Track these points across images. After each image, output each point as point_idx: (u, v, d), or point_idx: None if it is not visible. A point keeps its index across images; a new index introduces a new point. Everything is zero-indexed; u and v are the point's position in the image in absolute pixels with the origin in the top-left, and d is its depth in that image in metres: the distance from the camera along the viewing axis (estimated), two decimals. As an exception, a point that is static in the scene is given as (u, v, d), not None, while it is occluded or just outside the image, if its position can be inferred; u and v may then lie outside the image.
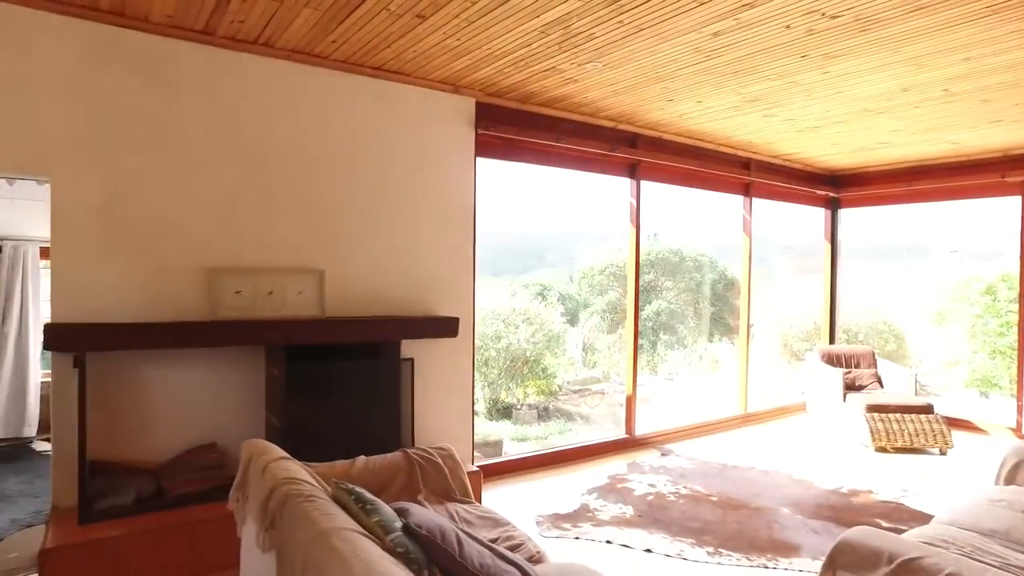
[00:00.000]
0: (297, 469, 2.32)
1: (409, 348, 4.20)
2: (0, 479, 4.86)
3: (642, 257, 13.52)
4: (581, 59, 3.89)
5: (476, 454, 4.96)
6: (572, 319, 12.58)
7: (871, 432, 5.67)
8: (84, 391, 3.09)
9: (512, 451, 7.20)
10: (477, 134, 4.65)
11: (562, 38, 3.54)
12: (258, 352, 3.74)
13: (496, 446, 6.55)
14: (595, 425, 11.16)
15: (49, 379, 6.60)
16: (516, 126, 4.86)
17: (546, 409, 10.98)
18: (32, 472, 5.08)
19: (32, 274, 6.23)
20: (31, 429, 6.13)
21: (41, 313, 6.35)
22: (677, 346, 13.52)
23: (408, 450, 3.20)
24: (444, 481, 3.14)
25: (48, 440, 6.10)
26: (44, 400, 6.32)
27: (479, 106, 4.66)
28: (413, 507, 2.09)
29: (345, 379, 3.94)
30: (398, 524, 1.94)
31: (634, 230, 5.89)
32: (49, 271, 6.84)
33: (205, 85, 3.60)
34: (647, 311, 13.32)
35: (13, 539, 3.81)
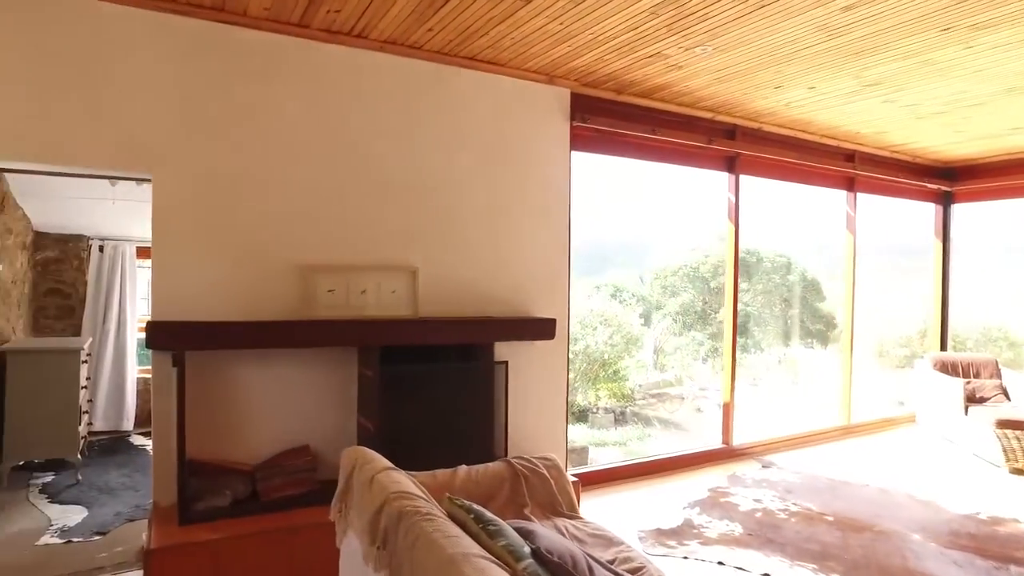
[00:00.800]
0: (407, 482, 2.15)
1: (503, 350, 4.01)
2: (103, 472, 4.96)
3: (715, 258, 13.01)
4: (690, 43, 3.61)
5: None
6: (644, 321, 12.23)
7: (1004, 451, 5.12)
8: (183, 390, 3.03)
9: (596, 457, 6.95)
10: (572, 126, 4.43)
11: (673, 18, 3.27)
12: (350, 353, 3.63)
13: (581, 453, 6.31)
14: (676, 431, 10.76)
15: (145, 375, 6.79)
16: (611, 118, 4.61)
17: (622, 413, 10.65)
18: (131, 466, 5.17)
19: (129, 273, 6.40)
20: (128, 423, 6.29)
21: (137, 311, 6.52)
22: (754, 350, 12.97)
23: (511, 459, 3.01)
24: (550, 494, 2.93)
25: (144, 435, 6.25)
26: (140, 395, 6.48)
27: (574, 97, 4.44)
28: (538, 528, 1.89)
29: (438, 382, 3.79)
30: (527, 549, 1.73)
31: (733, 228, 5.53)
32: (144, 270, 7.05)
33: (299, 79, 3.51)
34: (722, 314, 12.75)
35: (118, 532, 3.83)
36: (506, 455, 3.92)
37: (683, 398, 11.68)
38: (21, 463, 4.68)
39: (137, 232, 6.35)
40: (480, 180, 4.08)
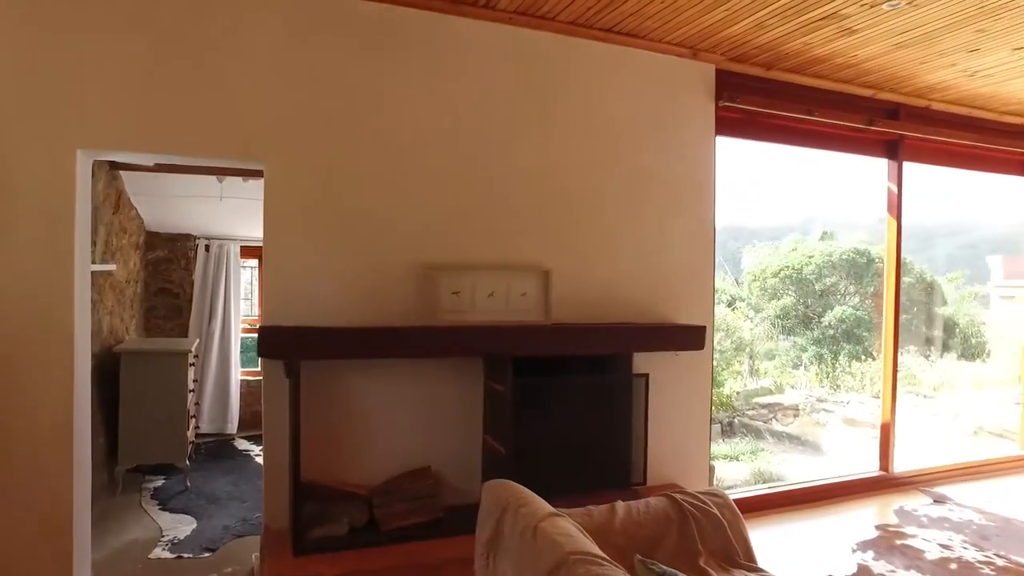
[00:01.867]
0: (579, 536, 1.73)
1: (641, 361, 3.54)
2: (209, 479, 4.82)
3: (820, 258, 12.01)
4: (878, -3, 3.02)
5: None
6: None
7: None
8: (298, 404, 2.73)
9: (725, 476, 6.36)
10: (717, 107, 3.90)
11: (869, -35, 2.71)
12: (475, 364, 3.25)
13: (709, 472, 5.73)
14: (795, 447, 9.95)
15: (248, 377, 6.72)
16: (760, 97, 4.05)
17: (730, 424, 9.96)
18: (238, 473, 5.02)
19: (234, 273, 6.32)
20: (233, 426, 6.21)
21: (240, 311, 6.44)
22: (864, 357, 11.96)
23: (675, 495, 2.53)
24: (724, 539, 2.44)
25: (248, 439, 6.15)
26: (244, 398, 6.40)
27: (719, 74, 3.90)
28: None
29: (571, 397, 3.37)
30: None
31: (894, 222, 4.82)
32: (247, 270, 7.00)
33: (421, 56, 3.16)
34: (828, 318, 11.84)
35: (227, 550, 3.62)
36: (644, 479, 3.47)
37: (797, 410, 10.82)
38: (133, 466, 4.59)
39: (241, 231, 6.26)
40: (616, 169, 3.62)
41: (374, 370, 3.07)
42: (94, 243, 4.07)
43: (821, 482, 4.68)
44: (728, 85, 3.94)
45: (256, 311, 6.83)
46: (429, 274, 3.12)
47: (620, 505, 2.45)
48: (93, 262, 3.85)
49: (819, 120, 4.23)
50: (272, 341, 2.69)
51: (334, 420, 3.02)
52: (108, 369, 4.45)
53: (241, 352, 6.42)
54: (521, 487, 2.17)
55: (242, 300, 6.51)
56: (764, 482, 6.32)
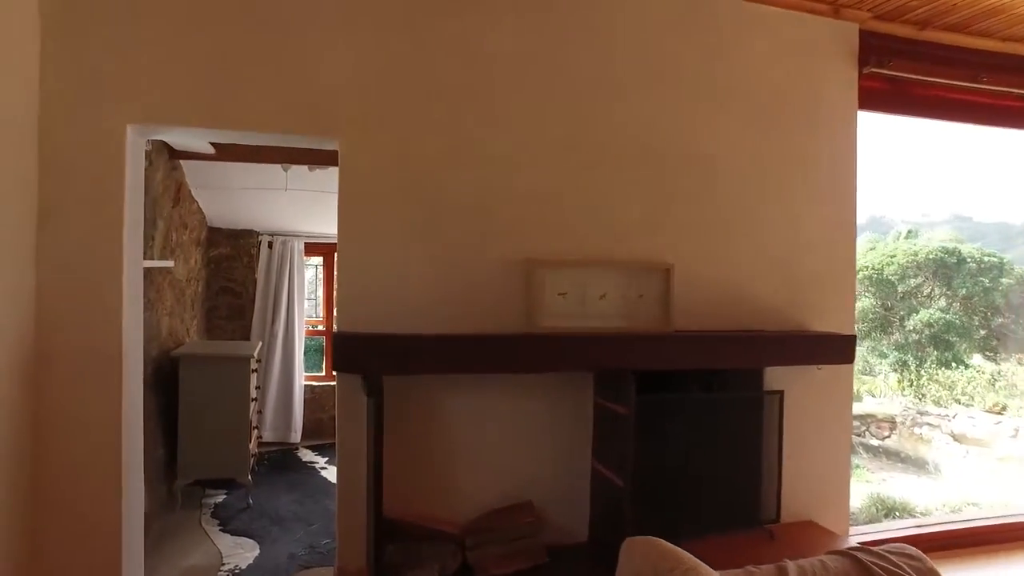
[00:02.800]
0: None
1: (774, 376, 2.99)
2: (273, 495, 4.48)
3: (901, 258, 11.04)
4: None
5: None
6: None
7: None
8: (380, 429, 2.29)
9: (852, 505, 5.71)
10: (860, 75, 3.30)
11: None
12: (579, 378, 2.76)
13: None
14: (895, 464, 9.18)
15: (312, 383, 6.40)
16: (911, 61, 3.43)
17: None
18: (302, 489, 4.66)
19: (298, 271, 6.01)
20: (296, 435, 5.90)
21: (304, 312, 6.13)
22: (955, 364, 11.01)
23: (858, 555, 1.98)
24: (930, 619, 1.88)
25: (312, 448, 5.82)
26: (307, 405, 6.08)
27: (862, 36, 3.31)
28: None
29: (694, 417, 2.85)
30: None
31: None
32: (311, 267, 6.69)
33: (519, 12, 2.70)
34: (913, 322, 10.92)
35: (291, 585, 3.24)
36: (778, 515, 2.93)
37: (894, 422, 9.97)
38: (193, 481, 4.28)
39: (305, 226, 5.95)
40: (743, 149, 3.07)
41: (462, 385, 2.61)
42: (152, 238, 3.76)
43: (997, 521, 3.96)
44: (873, 48, 3.33)
45: (320, 312, 6.51)
46: (532, 271, 2.64)
47: (791, 567, 1.92)
48: (150, 257, 3.53)
49: (985, 89, 3.57)
50: (350, 352, 2.26)
51: (417, 444, 2.58)
52: (167, 374, 4.15)
53: (304, 355, 6.11)
54: (673, 547, 1.69)
55: (306, 300, 6.20)
56: (886, 511, 5.64)
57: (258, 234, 5.95)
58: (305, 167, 4.39)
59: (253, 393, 4.36)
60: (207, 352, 4.31)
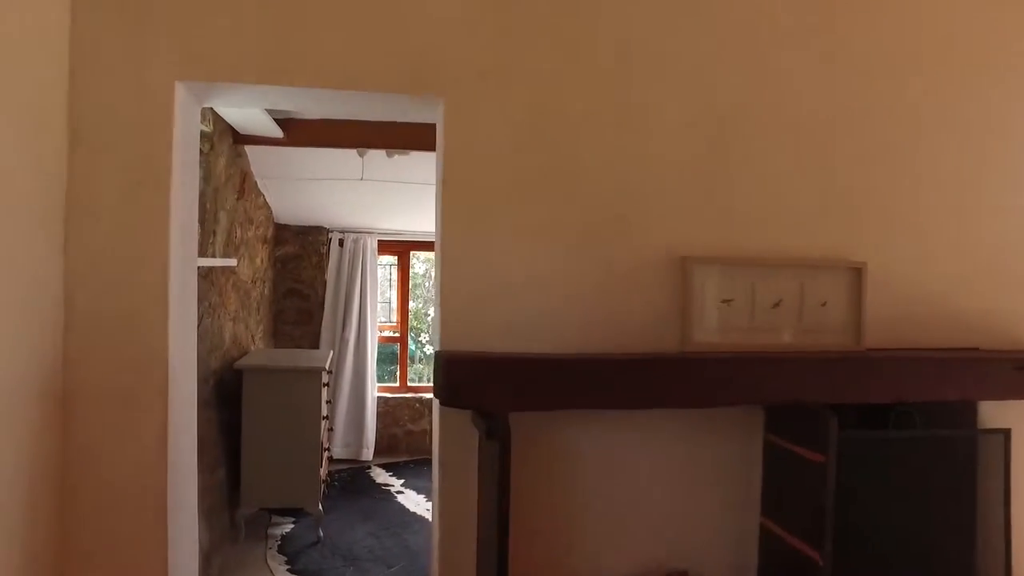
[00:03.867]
0: None
1: (995, 410, 2.31)
2: (346, 526, 4.03)
3: None
4: None
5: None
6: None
7: None
8: (507, 486, 1.72)
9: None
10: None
11: None
12: (747, 412, 2.15)
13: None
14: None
15: (385, 394, 5.96)
16: None
17: None
18: (378, 519, 4.20)
19: (371, 271, 5.59)
20: (368, 451, 5.47)
21: (378, 316, 5.70)
22: None
23: None
24: None
25: (386, 468, 5.37)
26: (380, 419, 5.65)
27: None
28: None
29: (891, 462, 2.20)
30: None
31: None
32: (384, 267, 6.26)
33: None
34: None
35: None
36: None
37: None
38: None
39: (380, 222, 5.52)
40: (942, 120, 2.38)
41: (592, 420, 2.04)
42: (213, 233, 3.35)
43: None
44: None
45: (394, 316, 6.08)
46: (689, 271, 2.05)
47: None
48: (210, 254, 3.11)
49: None
50: (464, 380, 1.72)
51: (539, 498, 2.02)
52: (230, 388, 3.75)
53: (379, 365, 5.68)
54: None
55: (379, 303, 5.77)
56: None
57: (328, 231, 5.55)
58: (383, 152, 3.92)
59: (324, 410, 3.91)
60: (273, 364, 3.88)
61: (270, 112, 3.31)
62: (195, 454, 2.09)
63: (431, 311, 9.49)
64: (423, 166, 4.31)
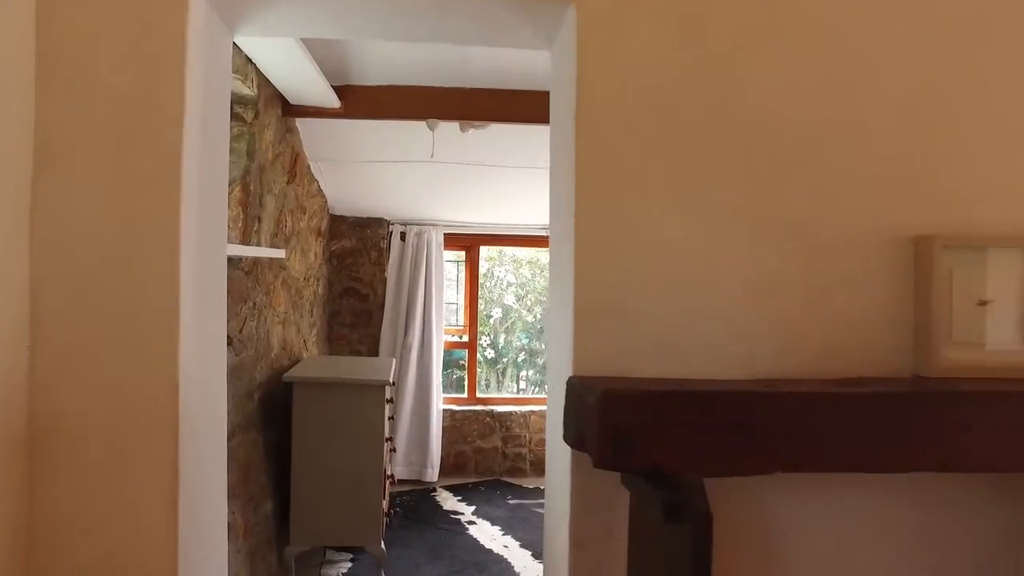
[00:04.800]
0: None
1: None
2: (412, 566, 3.50)
3: None
4: None
5: None
6: None
7: None
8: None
9: None
10: None
11: None
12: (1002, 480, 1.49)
13: None
14: None
15: (451, 406, 5.41)
16: None
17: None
18: (448, 556, 3.65)
19: (436, 268, 5.06)
20: (433, 472, 4.94)
21: (443, 319, 5.17)
22: None
23: None
24: None
25: (452, 490, 4.83)
26: (446, 434, 5.12)
27: None
28: None
29: None
30: None
31: None
32: (451, 264, 5.73)
33: None
34: None
35: None
36: None
37: None
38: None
39: (446, 213, 4.99)
40: None
41: (801, 483, 1.42)
42: (258, 220, 2.86)
43: None
44: None
45: (461, 319, 5.54)
46: (931, 259, 1.40)
47: None
48: (254, 242, 2.61)
49: None
50: (635, 425, 1.10)
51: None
52: (279, 403, 3.27)
53: (444, 374, 5.16)
54: None
55: (444, 304, 5.24)
56: None
57: (388, 223, 5.05)
58: (456, 125, 3.37)
59: (387, 429, 3.38)
60: (329, 375, 3.37)
61: (324, 72, 2.81)
62: (224, 521, 1.56)
63: (494, 312, 8.99)
64: (501, 143, 3.75)
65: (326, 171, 4.24)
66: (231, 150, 2.66)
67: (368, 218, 5.01)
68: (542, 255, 9.46)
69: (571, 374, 1.30)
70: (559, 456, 1.41)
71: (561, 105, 1.46)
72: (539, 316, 9.62)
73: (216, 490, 1.54)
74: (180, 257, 1.27)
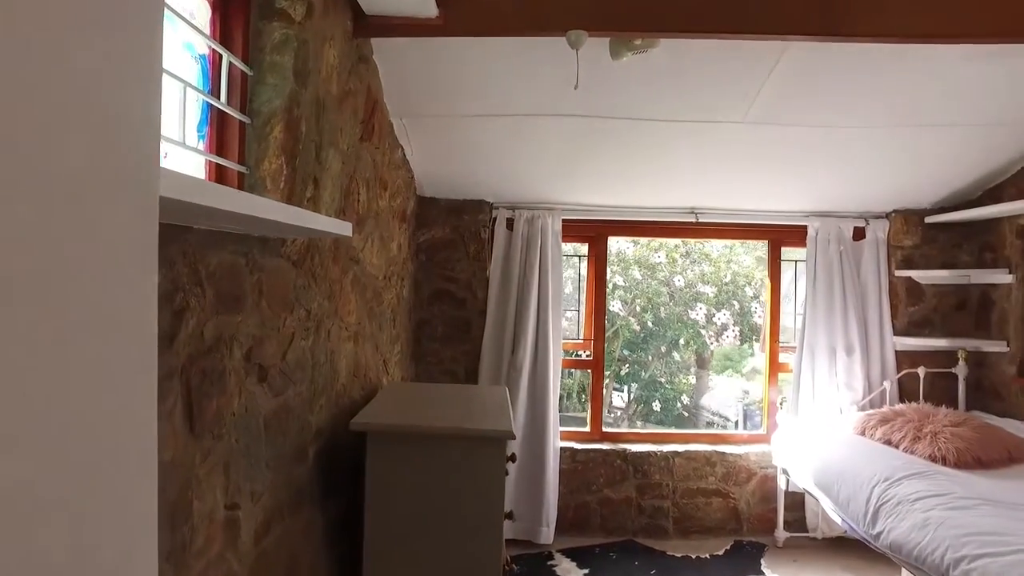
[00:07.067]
0: None
1: None
2: None
3: None
4: None
5: None
6: None
7: None
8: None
9: None
10: None
11: None
12: None
13: None
14: None
15: (574, 444, 4.05)
16: None
17: None
18: None
19: (553, 265, 3.99)
20: (548, 531, 3.85)
21: (561, 330, 4.08)
22: None
23: None
24: None
25: (571, 556, 3.74)
26: (563, 478, 4.03)
27: None
28: None
29: None
30: None
31: None
32: (571, 259, 4.52)
33: None
34: None
35: None
36: None
37: None
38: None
39: (568, 192, 3.91)
40: None
41: None
42: (314, 180, 1.87)
43: None
44: None
45: (582, 331, 4.43)
46: None
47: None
48: (297, 201, 1.60)
49: None
50: None
51: None
52: (346, 459, 2.28)
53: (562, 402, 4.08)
54: None
55: (563, 313, 4.16)
56: None
57: (491, 206, 4.02)
58: (606, 44, 2.28)
59: (508, 502, 2.32)
60: (417, 423, 2.34)
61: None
62: None
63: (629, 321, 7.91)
64: (663, 68, 2.61)
65: (414, 133, 3.25)
66: (268, 64, 1.66)
67: (465, 200, 4.00)
68: (654, 253, 8.30)
69: None
70: None
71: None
72: (650, 324, 8.48)
73: None
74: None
